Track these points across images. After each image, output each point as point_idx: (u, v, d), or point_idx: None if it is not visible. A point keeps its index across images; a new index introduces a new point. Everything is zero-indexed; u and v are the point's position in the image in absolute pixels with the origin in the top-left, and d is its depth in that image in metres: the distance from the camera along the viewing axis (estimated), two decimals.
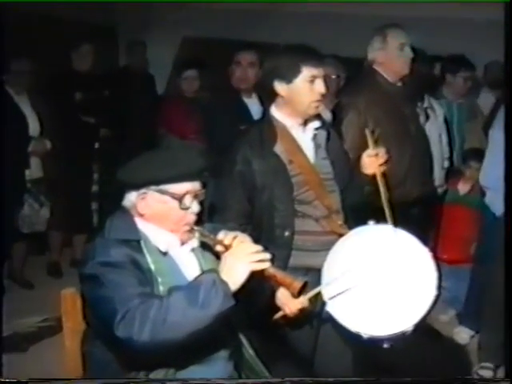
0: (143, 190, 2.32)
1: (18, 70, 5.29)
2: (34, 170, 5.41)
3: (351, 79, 4.76)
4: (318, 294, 2.67)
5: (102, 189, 5.86)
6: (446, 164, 5.22)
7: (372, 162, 3.02)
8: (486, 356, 4.30)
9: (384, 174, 3.00)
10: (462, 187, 5.15)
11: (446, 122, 5.26)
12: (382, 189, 2.92)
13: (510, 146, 3.71)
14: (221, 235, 2.31)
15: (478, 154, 4.75)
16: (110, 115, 5.85)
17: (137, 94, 6.04)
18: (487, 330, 4.36)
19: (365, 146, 3.10)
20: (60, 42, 5.99)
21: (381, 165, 3.03)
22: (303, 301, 2.60)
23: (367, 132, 3.04)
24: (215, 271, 2.15)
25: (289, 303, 2.62)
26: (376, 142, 3.06)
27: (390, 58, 3.97)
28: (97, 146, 5.87)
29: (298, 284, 2.20)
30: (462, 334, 4.80)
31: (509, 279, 3.74)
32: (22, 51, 5.44)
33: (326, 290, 2.68)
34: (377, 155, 3.01)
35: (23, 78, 5.32)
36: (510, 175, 3.65)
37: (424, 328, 2.72)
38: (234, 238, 2.25)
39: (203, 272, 2.24)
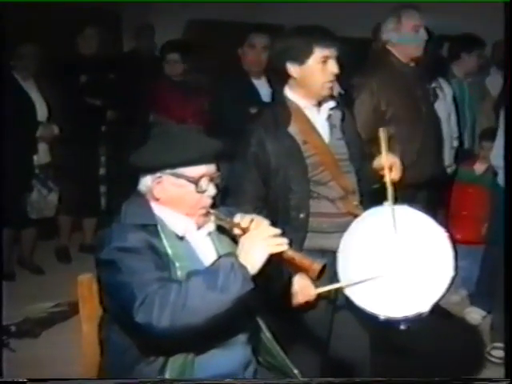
0: (158, 174, 2.29)
1: (24, 56, 5.27)
2: (42, 155, 5.40)
3: (364, 59, 4.73)
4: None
5: (109, 172, 5.86)
6: (456, 144, 5.21)
7: (383, 171, 2.90)
8: (499, 336, 4.29)
9: (394, 183, 2.89)
10: (478, 167, 5.12)
11: (455, 101, 5.24)
12: (390, 195, 2.83)
13: (510, 145, 3.70)
14: (237, 218, 2.29)
15: (490, 134, 4.72)
16: (116, 98, 5.83)
17: (145, 77, 5.99)
18: (499, 310, 4.35)
19: (378, 127, 3.05)
20: (65, 26, 5.95)
21: (394, 178, 2.92)
22: (312, 294, 2.60)
23: (381, 134, 2.92)
24: (233, 255, 2.13)
25: (300, 292, 2.61)
26: (389, 145, 2.96)
27: (404, 40, 3.94)
28: (103, 129, 5.86)
29: (317, 266, 2.18)
30: (474, 315, 4.80)
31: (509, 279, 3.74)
32: (28, 36, 5.41)
33: (344, 280, 2.66)
34: (390, 167, 2.91)
35: (30, 64, 5.30)
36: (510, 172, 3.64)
37: (436, 309, 2.70)
38: (251, 220, 2.23)
39: (221, 256, 2.21)
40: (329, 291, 2.67)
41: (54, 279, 5.18)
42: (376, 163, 2.98)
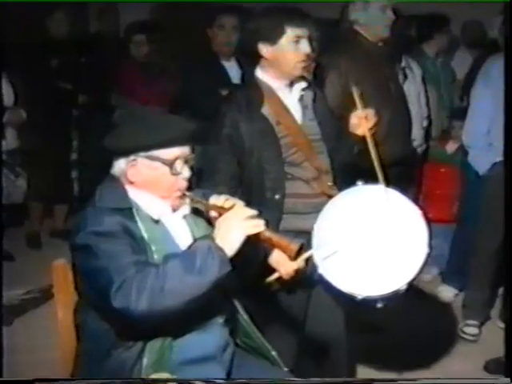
0: (132, 157, 2.26)
1: None
2: (10, 140, 5.31)
3: (332, 39, 4.72)
4: (310, 258, 2.66)
5: (81, 157, 5.79)
6: (425, 123, 5.24)
7: (361, 123, 2.96)
8: (471, 314, 4.35)
9: (373, 135, 2.96)
10: (450, 146, 5.16)
11: (424, 81, 5.26)
12: (372, 150, 2.88)
13: (510, 143, 3.73)
14: (213, 199, 2.27)
15: (461, 113, 4.75)
16: (87, 81, 5.76)
17: (112, 59, 5.92)
18: (471, 288, 4.40)
19: (348, 106, 3.06)
20: (33, 9, 5.85)
21: (370, 127, 2.97)
22: (299, 261, 2.59)
23: (354, 92, 2.98)
24: (210, 237, 2.12)
25: (285, 264, 2.60)
26: (364, 102, 3.01)
27: (372, 20, 3.94)
28: (75, 113, 5.79)
29: (294, 246, 2.18)
30: (446, 293, 4.86)
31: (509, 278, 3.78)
32: None
33: (318, 252, 2.66)
34: (366, 117, 2.96)
35: None
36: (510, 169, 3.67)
37: (410, 287, 2.72)
38: (227, 201, 2.23)
39: (197, 239, 2.20)
40: (305, 264, 2.66)
41: (24, 266, 5.12)
42: (353, 118, 3.00)
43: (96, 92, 5.79)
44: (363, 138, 2.95)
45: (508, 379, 2.59)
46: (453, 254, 4.82)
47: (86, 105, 5.78)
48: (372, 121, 2.99)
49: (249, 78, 3.11)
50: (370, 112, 3.00)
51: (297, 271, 2.63)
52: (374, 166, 2.83)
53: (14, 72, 5.30)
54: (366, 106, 3.02)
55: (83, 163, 5.79)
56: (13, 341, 4.02)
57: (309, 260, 2.64)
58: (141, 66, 5.72)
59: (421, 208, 4.74)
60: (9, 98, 5.27)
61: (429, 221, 4.78)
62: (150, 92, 5.55)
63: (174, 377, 2.18)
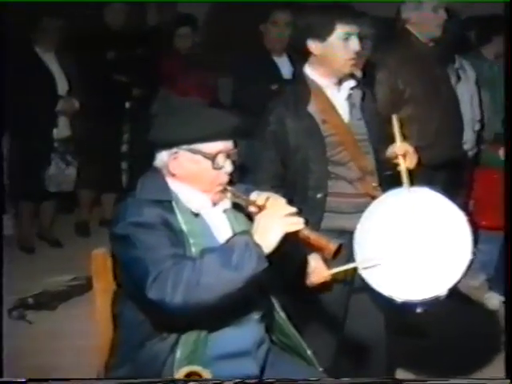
0: (175, 150, 2.27)
1: (45, 29, 5.25)
2: (62, 129, 5.42)
3: (383, 38, 4.68)
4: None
5: (132, 149, 5.85)
6: (477, 127, 5.14)
7: (398, 159, 2.87)
8: None
9: (409, 171, 2.86)
10: (504, 152, 5.05)
11: (478, 84, 5.17)
12: (405, 182, 2.81)
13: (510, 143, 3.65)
14: (254, 196, 2.27)
15: None
16: (142, 75, 5.79)
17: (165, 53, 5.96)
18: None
19: (396, 107, 3.01)
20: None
21: (408, 166, 2.88)
22: (326, 275, 2.58)
23: (394, 121, 2.89)
24: (248, 233, 2.11)
25: (313, 273, 2.59)
26: (405, 127, 2.94)
27: (424, 20, 3.90)
28: (128, 105, 5.83)
29: (332, 246, 2.15)
30: (493, 300, 4.77)
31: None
32: (49, 9, 5.38)
33: (359, 263, 2.64)
34: (404, 155, 2.87)
35: (51, 37, 5.29)
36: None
37: (455, 293, 2.68)
38: (268, 198, 2.21)
39: (236, 234, 2.20)
40: (343, 273, 2.65)
41: (72, 253, 5.20)
42: (390, 151, 2.94)
43: (149, 85, 5.82)
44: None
45: (508, 380, 2.54)
46: (501, 261, 4.72)
47: (139, 98, 5.81)
48: (412, 160, 2.90)
49: (298, 75, 3.09)
50: (410, 149, 2.90)
51: (323, 284, 2.61)
52: (418, 170, 2.77)
53: (68, 62, 5.39)
54: (407, 133, 2.96)
55: (133, 155, 5.83)
56: (55, 326, 4.11)
57: (345, 271, 2.63)
58: (183, 59, 5.74)
59: (471, 214, 4.71)
60: (63, 87, 5.36)
61: (479, 227, 4.77)
62: (190, 84, 5.59)
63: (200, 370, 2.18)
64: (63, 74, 5.38)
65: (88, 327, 2.60)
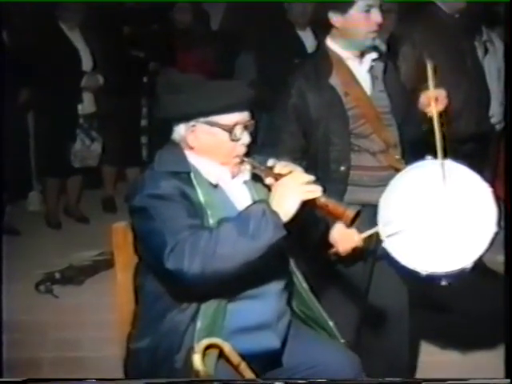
0: (192, 123, 2.27)
1: (69, 6, 5.25)
2: (87, 105, 5.43)
3: (406, 10, 4.63)
4: (370, 236, 2.63)
5: (150, 123, 5.86)
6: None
7: (430, 103, 2.87)
8: None
9: (441, 115, 2.86)
10: None
11: (506, 56, 5.09)
12: (437, 131, 2.79)
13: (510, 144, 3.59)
14: (270, 163, 2.26)
15: None
16: (158, 49, 5.78)
17: (189, 29, 5.94)
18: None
19: (420, 80, 2.97)
20: None
21: (440, 109, 2.88)
22: (357, 240, 2.56)
23: (428, 67, 2.88)
24: (265, 201, 2.12)
25: (342, 241, 2.57)
26: (437, 80, 2.91)
27: None
28: (145, 80, 5.82)
29: (350, 213, 2.14)
30: None
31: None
32: None
33: (382, 229, 2.62)
34: (437, 99, 2.87)
35: (75, 14, 5.30)
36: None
37: (481, 268, 2.65)
38: (285, 167, 2.22)
39: (253, 202, 2.20)
40: (369, 239, 2.63)
41: (98, 228, 5.20)
42: (423, 97, 2.92)
43: (164, 60, 5.81)
44: (431, 119, 2.87)
45: (508, 380, 2.52)
46: None
47: (156, 72, 5.79)
48: (443, 103, 2.90)
49: (320, 48, 3.06)
50: (442, 93, 2.91)
51: (354, 249, 2.59)
52: (437, 149, 2.75)
53: (92, 38, 5.39)
54: (439, 84, 2.92)
55: (152, 129, 5.84)
56: (82, 300, 4.15)
57: (369, 238, 2.61)
58: (182, 33, 5.75)
59: (499, 187, 4.66)
60: (87, 63, 5.37)
61: (502, 200, 4.70)
62: (189, 59, 5.63)
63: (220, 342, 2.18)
64: (88, 50, 5.38)
65: (114, 301, 2.62)
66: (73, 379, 2.43)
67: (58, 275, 4.41)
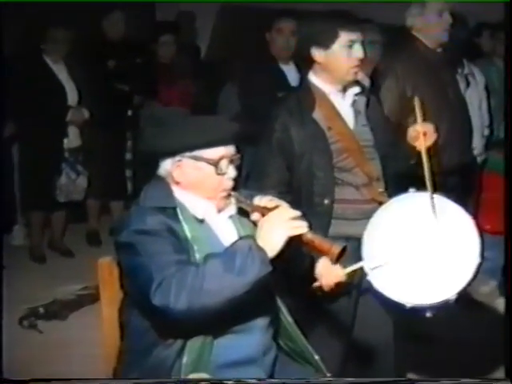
0: (178, 158, 2.29)
1: (55, 39, 5.29)
2: (72, 139, 5.44)
3: (389, 45, 4.69)
4: (355, 271, 2.65)
5: (135, 156, 5.85)
6: (487, 132, 5.14)
7: (419, 137, 2.91)
8: None
9: (429, 150, 2.90)
10: None
11: (487, 90, 5.17)
12: (426, 164, 2.83)
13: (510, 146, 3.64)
14: (257, 200, 2.28)
15: None
16: (142, 83, 5.80)
17: (172, 62, 5.99)
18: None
19: (404, 113, 3.02)
20: (94, 9, 5.95)
21: (429, 144, 2.92)
22: (341, 275, 2.57)
23: (416, 102, 2.93)
24: (251, 237, 2.12)
25: (326, 275, 2.59)
26: (425, 115, 2.96)
27: (429, 25, 3.89)
28: (130, 113, 5.84)
29: (336, 249, 2.15)
30: (503, 306, 4.74)
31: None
32: (58, 20, 5.42)
33: (367, 263, 2.64)
34: (425, 133, 2.91)
35: (60, 47, 5.32)
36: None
37: (465, 299, 2.67)
38: (271, 202, 2.23)
39: (240, 238, 2.21)
40: (353, 274, 2.64)
41: (83, 262, 5.19)
42: (411, 131, 2.96)
43: (149, 93, 5.85)
44: (419, 152, 2.90)
45: (508, 381, 2.53)
46: (507, 265, 4.70)
47: (140, 106, 5.84)
48: (431, 138, 2.95)
49: (303, 82, 3.10)
50: (430, 128, 2.95)
51: (339, 283, 2.60)
52: (426, 182, 2.78)
53: (77, 72, 5.42)
54: (426, 117, 2.96)
55: (136, 163, 5.84)
56: (66, 335, 4.12)
57: (353, 273, 2.63)
58: (166, 68, 5.80)
59: (481, 218, 4.68)
60: (72, 97, 5.39)
61: (487, 232, 4.73)
62: (172, 93, 5.68)
63: (207, 376, 2.18)
64: (73, 83, 5.40)
65: (98, 336, 2.61)
66: (76, 379, 2.41)
67: (41, 310, 4.40)
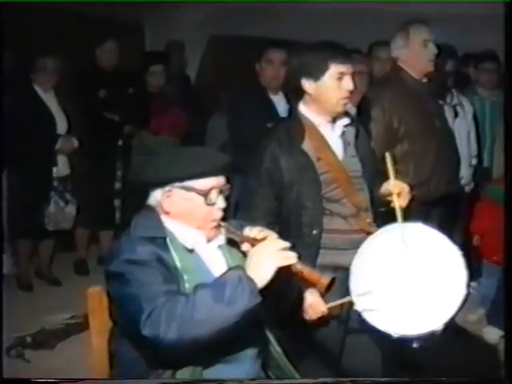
0: (168, 188, 2.30)
1: (44, 68, 5.31)
2: (61, 167, 5.44)
3: (377, 76, 4.74)
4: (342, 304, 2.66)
5: (124, 186, 5.86)
6: (474, 162, 5.19)
7: (391, 196, 2.90)
8: None
9: (404, 209, 2.87)
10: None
11: (476, 119, 5.22)
12: (399, 220, 2.81)
13: (510, 147, 3.66)
14: (247, 231, 2.30)
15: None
16: (134, 112, 5.81)
17: (162, 92, 6.02)
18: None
19: (390, 144, 3.03)
20: (85, 39, 6.00)
21: (402, 204, 2.89)
22: (324, 310, 2.59)
23: (387, 158, 2.90)
24: (241, 268, 2.14)
25: (315, 305, 2.61)
26: (397, 170, 2.94)
27: (414, 56, 3.94)
28: (120, 143, 5.85)
29: (325, 280, 2.17)
30: (491, 334, 4.75)
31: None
32: (48, 49, 5.45)
33: (355, 296, 2.65)
34: (399, 194, 2.90)
35: (50, 76, 5.34)
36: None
37: (453, 327, 2.68)
38: (260, 233, 2.25)
39: (229, 269, 2.22)
40: (339, 307, 2.66)
41: (71, 291, 5.18)
42: (384, 189, 2.97)
43: (139, 123, 5.86)
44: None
45: (508, 381, 2.54)
46: (498, 295, 4.72)
47: (131, 135, 5.85)
48: (405, 199, 2.92)
49: (293, 113, 3.13)
50: (404, 188, 2.93)
51: (328, 314, 2.62)
52: (411, 208, 2.79)
53: (67, 101, 5.43)
54: (398, 172, 2.96)
55: (125, 192, 5.85)
56: (53, 365, 4.10)
57: (342, 304, 2.64)
58: (156, 97, 5.84)
59: (477, 248, 4.70)
60: (62, 126, 5.40)
61: (494, 263, 4.74)
62: (161, 122, 5.72)
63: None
64: (62, 112, 5.42)
65: (87, 365, 2.60)
66: (74, 379, 2.40)
67: (29, 339, 4.37)
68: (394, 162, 2.94)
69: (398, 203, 2.86)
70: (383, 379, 2.82)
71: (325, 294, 2.28)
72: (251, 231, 2.28)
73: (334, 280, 2.19)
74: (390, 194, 2.90)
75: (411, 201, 2.95)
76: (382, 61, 4.72)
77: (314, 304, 2.60)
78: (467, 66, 5.79)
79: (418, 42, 3.93)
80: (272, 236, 2.24)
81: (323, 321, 2.67)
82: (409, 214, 2.85)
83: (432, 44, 3.93)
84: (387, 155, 2.91)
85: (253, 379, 2.33)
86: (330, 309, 2.66)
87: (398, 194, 2.89)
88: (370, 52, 5.16)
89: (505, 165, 3.79)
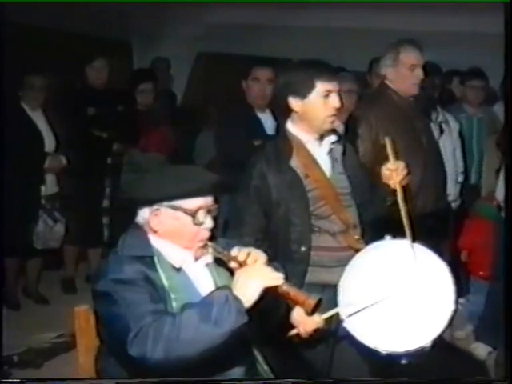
0: (156, 207, 2.30)
1: (32, 86, 5.29)
2: (49, 186, 5.40)
3: (364, 93, 4.76)
4: (331, 317, 2.66)
5: (112, 204, 5.84)
6: (461, 178, 5.21)
7: (391, 176, 2.95)
8: (503, 373, 4.24)
9: (404, 188, 2.93)
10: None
11: (461, 136, 5.25)
12: (401, 203, 2.86)
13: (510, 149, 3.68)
14: (234, 251, 2.29)
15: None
16: (122, 130, 5.78)
17: (151, 109, 6.03)
18: (504, 346, 4.30)
19: (379, 160, 3.04)
20: (74, 56, 6.00)
21: (400, 179, 2.95)
22: (318, 321, 2.59)
23: (387, 143, 2.96)
24: (228, 288, 2.14)
25: (303, 322, 2.59)
26: (396, 154, 3.00)
27: (400, 77, 3.97)
28: (109, 161, 5.84)
29: (311, 301, 2.18)
30: (479, 350, 4.74)
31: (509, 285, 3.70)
32: (36, 67, 5.45)
33: (343, 309, 2.65)
34: (396, 170, 2.95)
35: (38, 94, 5.32)
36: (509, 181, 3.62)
37: (441, 344, 2.69)
38: (248, 254, 2.25)
39: (216, 288, 2.22)
40: (329, 320, 2.65)
41: (58, 310, 5.14)
42: (384, 170, 2.97)
43: (127, 140, 5.85)
44: (394, 191, 2.93)
45: (508, 382, 2.54)
46: (486, 311, 4.72)
47: (119, 153, 5.84)
48: (402, 173, 2.96)
49: (280, 131, 3.14)
50: (401, 165, 2.98)
51: (315, 330, 2.61)
52: (403, 221, 2.81)
53: (55, 118, 5.42)
54: (398, 157, 3.00)
55: (114, 210, 5.83)
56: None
57: (330, 319, 2.64)
58: (144, 114, 5.85)
59: (465, 264, 4.71)
60: (50, 144, 5.39)
61: (481, 278, 4.75)
62: (149, 139, 5.74)
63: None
64: (51, 130, 5.40)
65: None
66: (72, 379, 2.39)
67: (16, 358, 4.33)
68: (394, 147, 2.97)
69: (395, 180, 2.90)
70: (377, 379, 2.81)
71: (311, 314, 2.28)
72: (239, 253, 2.27)
73: (321, 301, 2.20)
74: (390, 175, 2.93)
75: (406, 178, 2.97)
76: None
77: (306, 318, 2.58)
78: (453, 83, 5.84)
79: (405, 65, 3.96)
80: (260, 256, 2.24)
81: (317, 334, 2.66)
82: (397, 231, 2.85)
83: (419, 69, 3.96)
84: (387, 139, 2.95)
85: (252, 379, 2.32)
86: (325, 320, 2.64)
87: (396, 171, 2.92)
88: (370, 69, 5.21)
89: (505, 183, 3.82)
